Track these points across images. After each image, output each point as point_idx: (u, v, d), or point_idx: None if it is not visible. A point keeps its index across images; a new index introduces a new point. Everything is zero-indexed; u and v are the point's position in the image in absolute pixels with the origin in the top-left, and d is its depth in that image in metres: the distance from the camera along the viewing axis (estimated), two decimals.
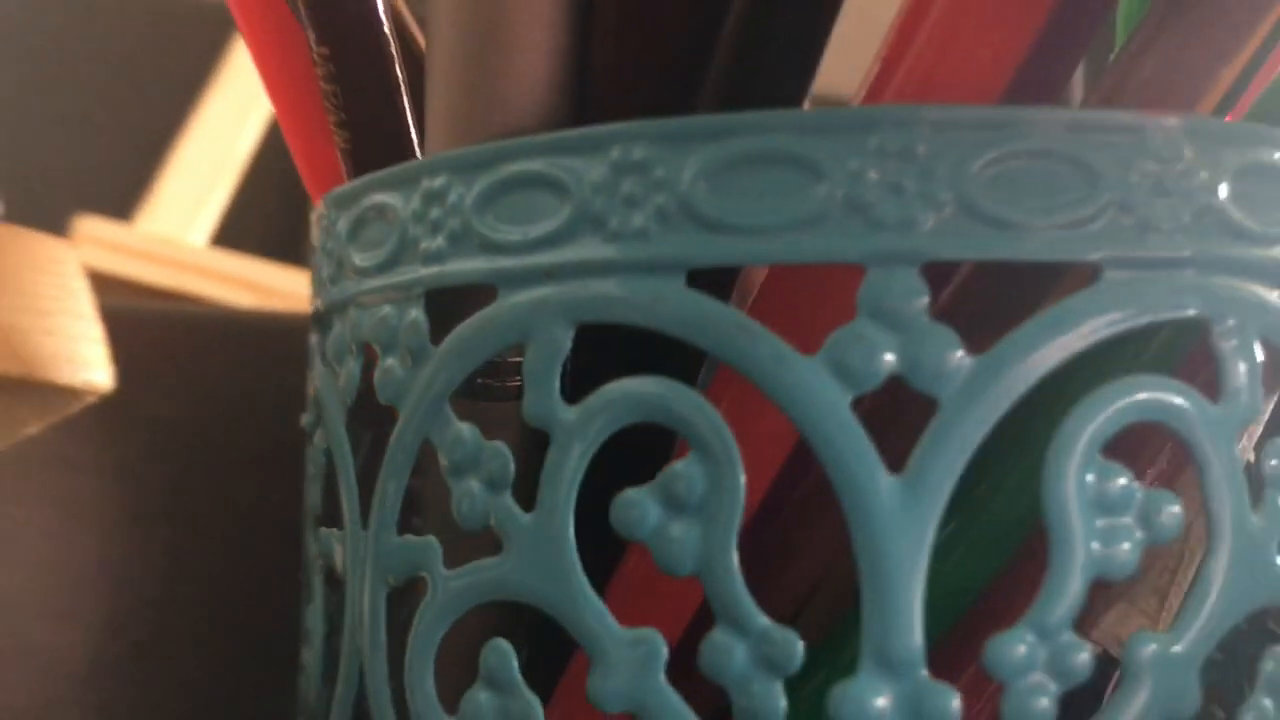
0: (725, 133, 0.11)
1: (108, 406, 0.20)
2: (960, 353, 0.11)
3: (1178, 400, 0.11)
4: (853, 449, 0.11)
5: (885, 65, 0.11)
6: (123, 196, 0.33)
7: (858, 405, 0.11)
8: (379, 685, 0.13)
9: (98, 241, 0.27)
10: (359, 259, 0.13)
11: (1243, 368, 0.11)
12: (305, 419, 0.15)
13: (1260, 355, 0.11)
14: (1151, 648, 0.11)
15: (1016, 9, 0.11)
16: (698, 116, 0.11)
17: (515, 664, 0.12)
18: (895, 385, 0.11)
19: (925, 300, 0.11)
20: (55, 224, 0.28)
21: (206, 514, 0.21)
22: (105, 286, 0.27)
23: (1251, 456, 0.12)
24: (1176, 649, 0.11)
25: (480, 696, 0.12)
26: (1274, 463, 0.11)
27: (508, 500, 0.12)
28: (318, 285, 0.14)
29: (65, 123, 0.39)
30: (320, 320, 0.14)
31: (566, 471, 0.11)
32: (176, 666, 0.20)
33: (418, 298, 0.13)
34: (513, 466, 0.12)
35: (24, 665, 0.20)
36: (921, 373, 0.11)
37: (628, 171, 0.11)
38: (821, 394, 0.11)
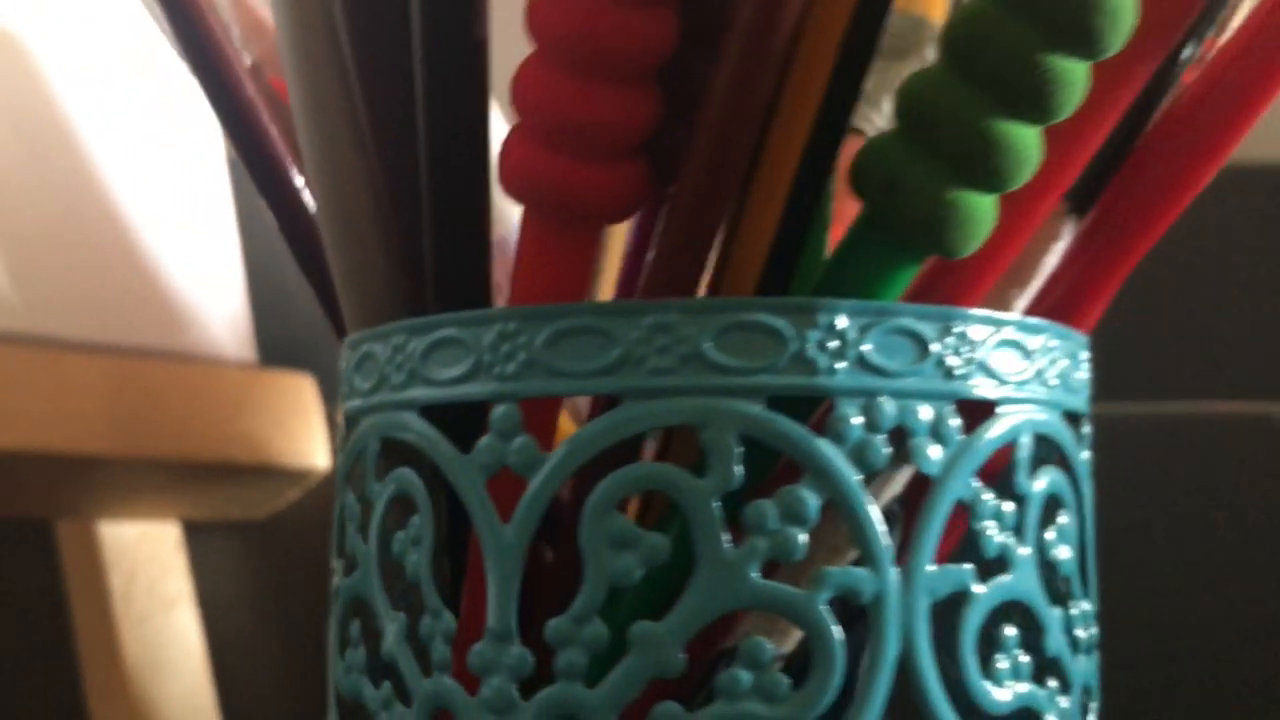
0: (430, 328, 0.19)
1: None
2: (535, 452, 0.18)
3: (669, 475, 0.17)
4: (483, 509, 0.18)
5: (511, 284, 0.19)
6: None
7: (493, 482, 0.18)
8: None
9: None
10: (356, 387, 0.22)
11: (721, 454, 0.17)
12: None
13: (739, 446, 0.17)
14: (644, 629, 0.17)
15: (571, 261, 0.18)
16: (422, 318, 0.19)
17: (358, 632, 0.20)
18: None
19: (519, 420, 0.18)
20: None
21: None
22: None
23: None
24: (662, 631, 0.17)
25: (349, 653, 0.20)
26: (753, 516, 0.17)
27: (361, 540, 0.20)
28: None
29: None
30: None
31: (375, 520, 0.20)
32: None
33: (350, 420, 0.21)
34: (361, 521, 0.20)
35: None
36: (516, 464, 0.18)
37: (397, 350, 0.20)
38: (468, 476, 0.18)
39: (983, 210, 0.18)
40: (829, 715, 0.18)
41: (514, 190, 0.18)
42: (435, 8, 0.17)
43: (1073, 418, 0.20)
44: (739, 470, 0.17)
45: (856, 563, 0.18)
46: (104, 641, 0.28)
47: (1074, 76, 0.17)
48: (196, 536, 0.30)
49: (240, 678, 0.30)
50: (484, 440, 0.18)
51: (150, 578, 0.28)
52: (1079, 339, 0.20)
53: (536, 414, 0.18)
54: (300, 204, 0.22)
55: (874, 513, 0.18)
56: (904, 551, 0.18)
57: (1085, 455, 0.21)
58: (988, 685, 0.19)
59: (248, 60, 0.22)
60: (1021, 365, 0.19)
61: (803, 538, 0.17)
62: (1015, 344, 0.19)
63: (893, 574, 0.18)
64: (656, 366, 0.18)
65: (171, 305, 0.27)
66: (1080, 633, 0.20)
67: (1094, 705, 0.21)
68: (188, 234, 0.28)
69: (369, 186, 0.20)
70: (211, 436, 0.27)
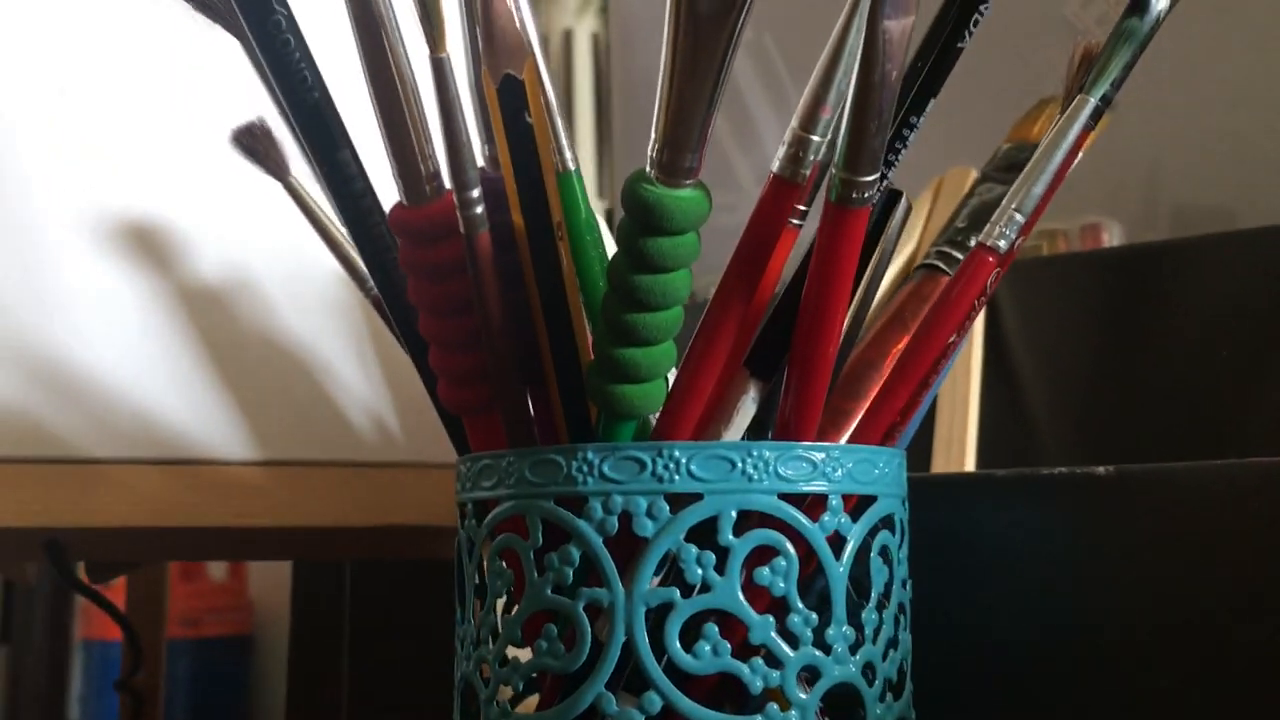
0: (460, 463, 0.37)
1: None
2: (477, 529, 0.35)
3: (513, 541, 0.33)
4: (470, 555, 0.36)
5: None
6: None
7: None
8: None
9: None
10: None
11: (533, 529, 0.33)
12: None
13: (540, 525, 0.33)
14: (506, 620, 0.33)
15: (485, 430, 0.35)
16: (461, 456, 0.37)
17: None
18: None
19: (474, 511, 0.35)
20: None
21: None
22: None
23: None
24: (511, 620, 0.33)
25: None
26: (548, 561, 0.33)
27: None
28: None
29: None
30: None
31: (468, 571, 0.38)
32: None
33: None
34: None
35: None
36: (471, 535, 0.35)
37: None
38: (465, 540, 0.36)
39: (636, 392, 0.32)
40: (585, 669, 0.32)
41: (446, 406, 0.35)
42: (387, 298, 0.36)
43: (798, 496, 0.33)
44: (541, 537, 0.33)
45: (599, 585, 0.33)
46: None
47: (656, 319, 0.31)
48: None
49: None
50: (468, 522, 0.36)
51: None
52: (799, 447, 0.33)
53: (479, 507, 0.35)
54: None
55: (610, 559, 0.32)
56: (628, 577, 0.32)
57: (840, 518, 0.33)
58: (687, 658, 0.32)
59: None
60: (725, 468, 0.32)
61: (571, 573, 0.33)
62: (720, 457, 0.32)
63: (621, 591, 0.32)
64: (508, 483, 0.34)
65: None
66: (803, 631, 0.32)
67: (823, 684, 0.33)
68: None
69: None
70: None
